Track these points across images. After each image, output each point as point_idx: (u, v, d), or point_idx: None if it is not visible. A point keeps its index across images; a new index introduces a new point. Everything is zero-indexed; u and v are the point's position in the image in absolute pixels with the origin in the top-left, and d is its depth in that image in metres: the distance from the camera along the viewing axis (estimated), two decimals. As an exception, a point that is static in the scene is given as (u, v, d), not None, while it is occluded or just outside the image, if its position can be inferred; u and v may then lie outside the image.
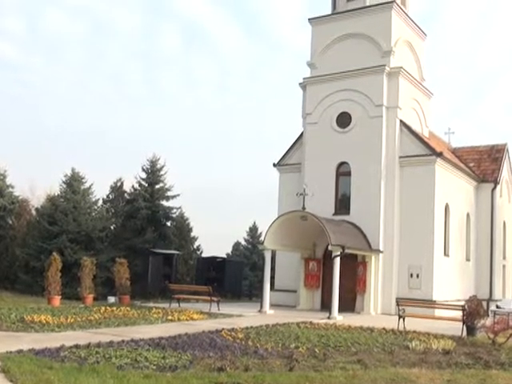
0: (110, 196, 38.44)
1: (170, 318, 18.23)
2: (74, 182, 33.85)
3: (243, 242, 42.08)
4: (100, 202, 36.89)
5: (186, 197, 42.62)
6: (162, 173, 35.70)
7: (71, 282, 27.19)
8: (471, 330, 16.86)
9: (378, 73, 25.70)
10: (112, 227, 35.36)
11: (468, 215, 29.81)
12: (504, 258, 31.85)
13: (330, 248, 22.02)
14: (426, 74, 29.14)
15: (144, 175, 35.62)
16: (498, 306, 23.43)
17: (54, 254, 24.29)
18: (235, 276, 33.29)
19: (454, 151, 33.10)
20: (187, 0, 78.35)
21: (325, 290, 25.07)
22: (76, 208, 32.90)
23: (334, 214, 25.71)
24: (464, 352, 13.08)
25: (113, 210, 37.41)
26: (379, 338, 15.16)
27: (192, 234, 37.51)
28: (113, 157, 63.74)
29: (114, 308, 20.28)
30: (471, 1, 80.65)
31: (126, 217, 34.92)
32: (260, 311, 22.74)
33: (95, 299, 24.86)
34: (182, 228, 36.46)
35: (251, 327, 16.20)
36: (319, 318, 20.20)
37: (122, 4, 77.01)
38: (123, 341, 12.23)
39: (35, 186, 42.02)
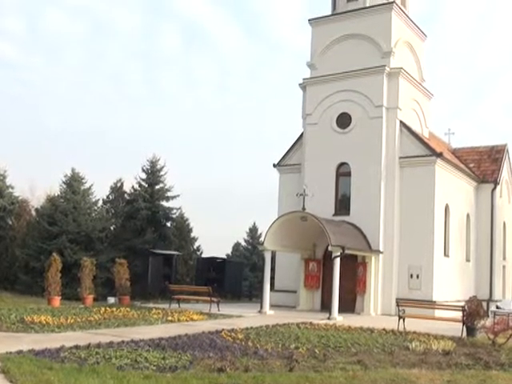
0: (110, 196, 38.45)
1: (169, 318, 18.21)
2: (73, 183, 33.88)
3: (243, 243, 42.04)
4: (100, 203, 36.99)
5: (186, 197, 42.67)
6: (161, 173, 35.77)
7: (71, 282, 27.20)
8: (471, 331, 16.83)
9: (378, 73, 25.71)
10: (112, 228, 35.39)
11: (468, 216, 29.81)
12: (504, 258, 31.86)
13: (329, 249, 22.02)
14: (426, 75, 29.21)
15: (144, 176, 35.71)
16: (497, 307, 23.37)
17: (54, 254, 24.27)
18: (235, 277, 33.29)
19: (454, 152, 33.12)
20: (187, 0, 78.47)
21: (325, 291, 25.07)
22: (76, 208, 32.93)
23: (333, 215, 25.71)
24: (464, 353, 13.07)
25: (113, 211, 37.44)
26: (379, 338, 15.14)
27: (192, 235, 37.56)
28: (113, 157, 63.87)
29: (114, 309, 20.26)
30: (471, 1, 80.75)
31: (125, 217, 34.94)
32: (260, 312, 22.74)
33: (95, 300, 24.85)
34: (182, 228, 36.48)
35: (251, 328, 16.19)
36: (319, 319, 20.19)
37: (121, 4, 77.15)
38: (123, 341, 12.23)
39: (35, 187, 42.23)
